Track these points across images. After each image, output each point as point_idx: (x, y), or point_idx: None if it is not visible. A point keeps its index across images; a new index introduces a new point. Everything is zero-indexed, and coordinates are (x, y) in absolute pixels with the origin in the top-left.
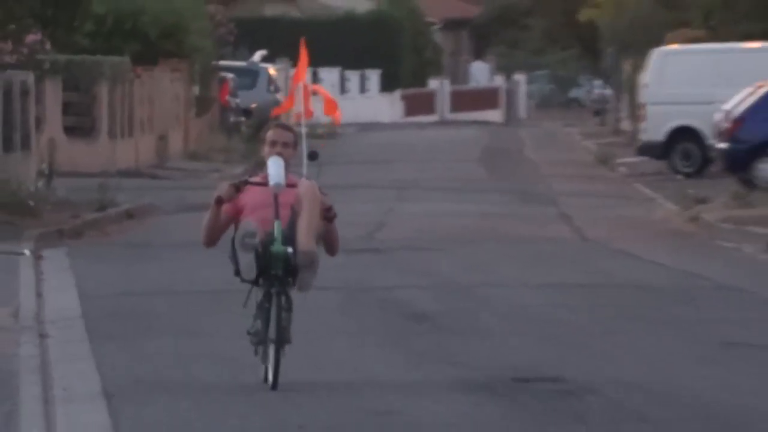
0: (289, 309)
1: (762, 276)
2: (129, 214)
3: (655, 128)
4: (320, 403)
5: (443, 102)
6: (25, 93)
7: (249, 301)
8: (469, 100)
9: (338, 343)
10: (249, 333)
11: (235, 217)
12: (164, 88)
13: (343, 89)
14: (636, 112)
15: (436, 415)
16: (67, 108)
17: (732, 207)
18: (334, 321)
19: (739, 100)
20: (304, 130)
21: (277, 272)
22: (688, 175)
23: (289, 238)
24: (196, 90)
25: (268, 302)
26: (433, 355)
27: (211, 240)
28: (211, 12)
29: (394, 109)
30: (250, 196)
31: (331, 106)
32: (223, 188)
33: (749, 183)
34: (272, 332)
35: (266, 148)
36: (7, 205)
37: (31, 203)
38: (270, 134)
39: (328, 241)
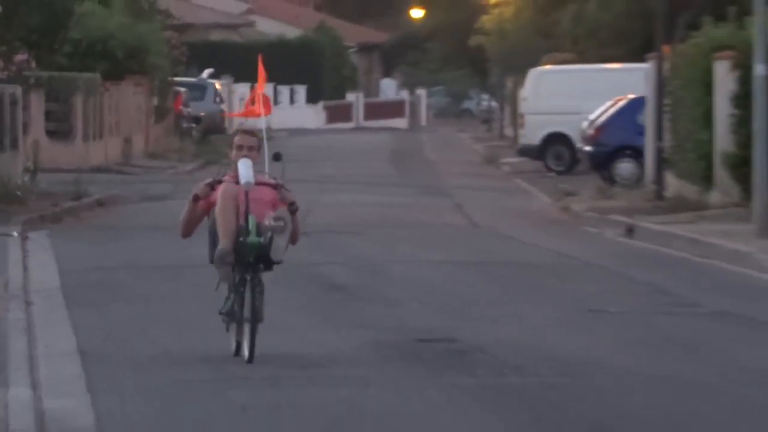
0: (262, 292)
1: (620, 256)
2: (100, 203)
3: (533, 134)
4: (261, 359)
5: (358, 112)
6: (14, 103)
7: (219, 286)
8: (379, 110)
9: (273, 310)
10: (221, 312)
11: (208, 211)
12: (128, 100)
13: (276, 101)
14: (516, 120)
15: (353, 369)
16: (48, 115)
17: (596, 199)
18: (271, 292)
19: (601, 111)
20: (265, 135)
21: (250, 260)
22: (559, 173)
23: (260, 231)
24: (155, 101)
25: (242, 286)
26: (349, 320)
27: (188, 232)
28: (167, 37)
29: (318, 117)
30: (221, 195)
31: (267, 105)
32: (200, 187)
33: (610, 179)
34: (247, 312)
35: (234, 152)
36: (2, 195)
37: (19, 194)
38: (237, 139)
39: (296, 230)
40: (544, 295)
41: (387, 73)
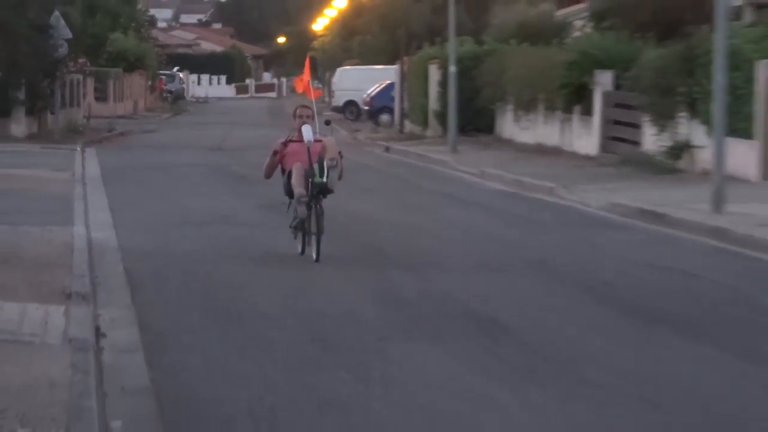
0: (323, 213)
1: (383, 161)
2: (121, 134)
3: (339, 100)
4: (198, 211)
5: (251, 89)
6: (79, 83)
7: (289, 208)
8: (262, 88)
9: (205, 188)
10: (291, 227)
11: (281, 160)
12: (136, 82)
13: (210, 83)
14: (331, 93)
15: (248, 218)
16: (95, 90)
17: (370, 133)
18: (201, 179)
19: (373, 90)
20: (315, 108)
21: (315, 192)
22: (351, 120)
23: (320, 173)
24: (149, 83)
25: (309, 209)
26: (246, 193)
27: (269, 174)
28: (156, 50)
29: (231, 91)
30: (291, 149)
31: (307, 89)
32: (277, 145)
33: (377, 124)
34: (314, 227)
35: (296, 120)
36: (72, 129)
37: (80, 129)
38: (298, 111)
39: (341, 171)
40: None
41: (266, 69)
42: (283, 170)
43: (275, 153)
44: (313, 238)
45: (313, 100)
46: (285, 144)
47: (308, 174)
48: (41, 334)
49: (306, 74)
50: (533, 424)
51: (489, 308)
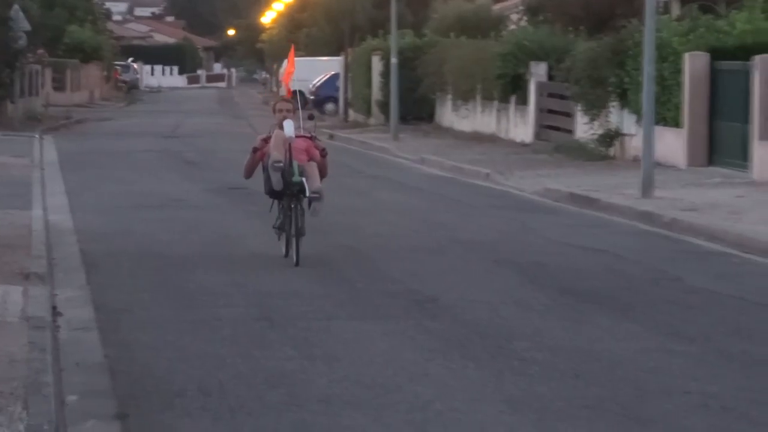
0: (302, 214)
1: (328, 147)
2: (78, 121)
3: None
4: (154, 192)
5: (203, 79)
6: (37, 73)
7: (272, 208)
8: (213, 78)
9: (160, 172)
10: (274, 227)
11: (262, 158)
12: (93, 72)
13: (163, 74)
14: (278, 84)
15: (198, 201)
16: (53, 80)
17: (319, 120)
18: (155, 164)
19: (319, 80)
20: (300, 103)
21: (293, 192)
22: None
23: (300, 172)
24: (105, 73)
25: (289, 210)
26: (197, 178)
27: (249, 174)
28: (111, 42)
29: (183, 81)
30: (273, 142)
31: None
32: (257, 142)
33: (322, 112)
34: (293, 230)
35: (276, 114)
36: (31, 117)
37: (39, 117)
38: (278, 105)
39: (321, 169)
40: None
41: (217, 60)
42: (264, 168)
43: (255, 150)
44: (292, 241)
45: (298, 92)
46: (266, 140)
47: (286, 172)
48: (1, 312)
49: (290, 65)
50: (469, 397)
51: (428, 288)
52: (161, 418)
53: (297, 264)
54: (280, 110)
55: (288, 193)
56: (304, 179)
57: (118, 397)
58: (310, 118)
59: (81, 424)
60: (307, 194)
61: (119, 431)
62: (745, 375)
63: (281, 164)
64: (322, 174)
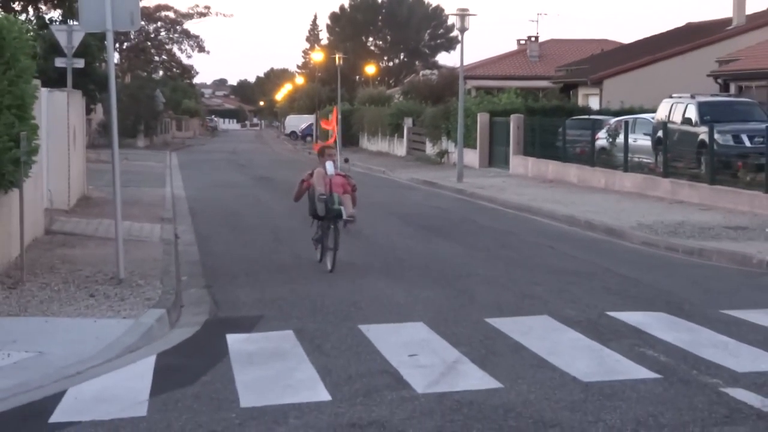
0: (339, 233)
1: (307, 159)
2: (188, 146)
3: (287, 130)
4: (207, 183)
5: (248, 125)
6: (168, 122)
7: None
8: (253, 125)
9: (225, 170)
10: (313, 239)
11: (308, 187)
12: (194, 122)
13: (229, 123)
14: (283, 128)
15: (245, 184)
16: (176, 125)
17: (301, 146)
18: (224, 166)
19: (304, 126)
20: (339, 148)
21: (333, 216)
22: (294, 140)
23: (339, 201)
24: (201, 122)
25: (328, 229)
26: (245, 173)
27: (297, 199)
28: (204, 108)
29: (238, 126)
30: (315, 178)
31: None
32: (305, 175)
33: (305, 141)
34: (332, 244)
35: (322, 158)
36: (165, 143)
37: (169, 143)
38: (326, 150)
39: (354, 199)
40: (296, 166)
41: (254, 116)
42: (310, 197)
43: (303, 182)
44: (329, 253)
45: (336, 141)
46: (311, 174)
47: (327, 199)
48: (150, 237)
49: (333, 120)
50: (370, 274)
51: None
52: (226, 287)
53: (331, 270)
54: (327, 154)
55: (328, 217)
56: (342, 207)
57: (206, 277)
58: (346, 161)
59: (188, 290)
60: (344, 217)
61: (207, 294)
62: (506, 267)
63: (325, 196)
64: (354, 203)
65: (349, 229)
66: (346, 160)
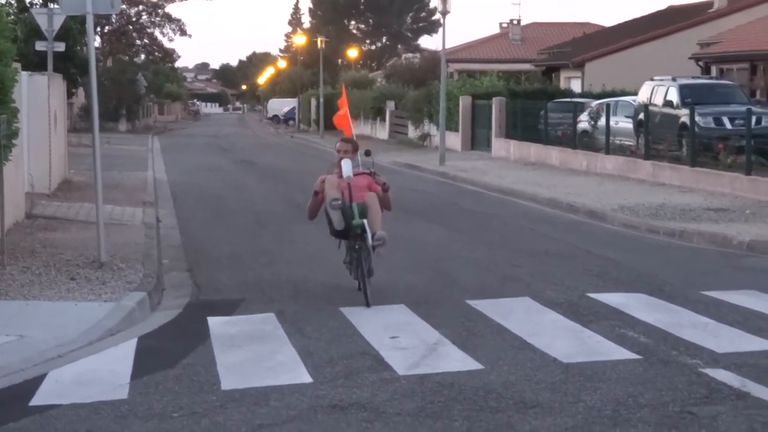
0: (369, 254)
1: (288, 142)
2: (170, 129)
3: (270, 114)
4: (203, 171)
5: (230, 109)
6: (150, 106)
7: (340, 245)
8: (235, 109)
9: (207, 154)
10: (345, 262)
11: (323, 200)
12: (177, 106)
13: (211, 107)
14: (266, 111)
15: (229, 169)
16: (158, 109)
17: (283, 129)
18: (206, 149)
19: (286, 109)
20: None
21: (356, 232)
22: (276, 124)
23: (362, 212)
24: (183, 107)
25: (355, 252)
26: (227, 156)
27: (312, 215)
28: (186, 91)
29: (220, 110)
30: (326, 187)
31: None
32: (317, 185)
33: (287, 125)
34: (360, 271)
35: (337, 154)
36: (147, 127)
37: (151, 127)
38: (338, 145)
39: (386, 202)
40: (278, 150)
41: (237, 100)
42: (326, 212)
43: (316, 193)
44: (361, 281)
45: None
46: (323, 180)
47: (343, 206)
48: (131, 220)
49: (343, 107)
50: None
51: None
52: (208, 270)
53: (368, 305)
54: (339, 150)
55: (352, 234)
56: (365, 221)
57: (188, 261)
58: (367, 154)
59: (169, 273)
60: (371, 242)
61: (188, 277)
62: (488, 249)
63: (339, 201)
64: (386, 207)
65: (379, 252)
66: (368, 153)
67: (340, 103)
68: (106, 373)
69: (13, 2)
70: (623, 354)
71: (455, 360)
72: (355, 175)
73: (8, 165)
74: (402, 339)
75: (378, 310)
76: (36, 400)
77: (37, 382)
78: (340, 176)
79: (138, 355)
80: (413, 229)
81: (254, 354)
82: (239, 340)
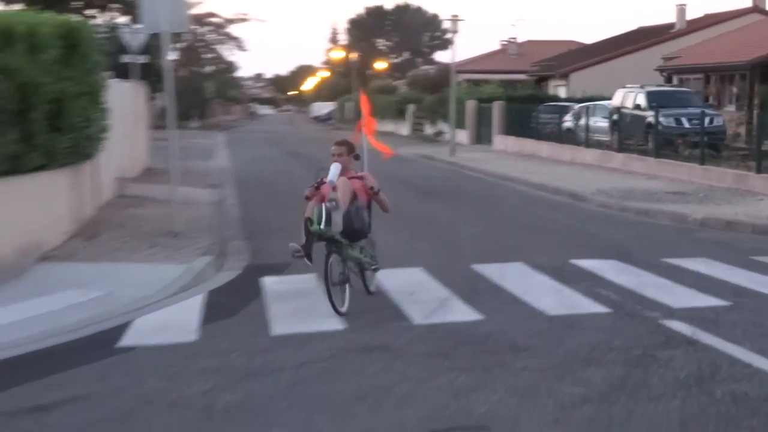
0: (346, 259)
1: (329, 135)
2: (232, 127)
3: (313, 114)
4: (259, 161)
5: (283, 110)
6: (215, 108)
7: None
8: (285, 110)
9: (262, 146)
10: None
11: (321, 202)
12: (237, 108)
13: (266, 108)
14: (310, 112)
15: (279, 157)
16: (225, 111)
17: (325, 127)
18: (261, 143)
19: (326, 110)
20: (365, 145)
21: (322, 241)
22: (319, 123)
23: (348, 217)
24: (242, 108)
25: (328, 260)
26: (279, 148)
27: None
28: (245, 96)
29: (274, 111)
30: (324, 191)
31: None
32: (309, 190)
33: (328, 124)
34: (335, 278)
35: (332, 157)
36: (214, 125)
37: (217, 125)
38: (332, 149)
39: (381, 205)
40: (319, 143)
41: (288, 102)
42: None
43: (307, 198)
44: (336, 289)
45: (362, 135)
46: (316, 187)
47: (306, 224)
48: (200, 199)
49: (365, 110)
50: (385, 231)
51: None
52: (262, 239)
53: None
54: (333, 153)
55: (322, 240)
56: (322, 227)
57: (246, 232)
58: (356, 158)
59: (231, 242)
60: (326, 206)
61: (246, 245)
62: (488, 224)
63: (298, 254)
64: (383, 209)
65: (336, 222)
66: (357, 157)
67: (363, 108)
68: (179, 321)
69: (106, 23)
70: (597, 308)
71: (461, 312)
72: (349, 177)
73: (100, 154)
74: (418, 295)
75: (398, 272)
76: (121, 343)
77: (123, 328)
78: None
79: (205, 307)
80: (427, 207)
81: (299, 306)
82: (287, 295)
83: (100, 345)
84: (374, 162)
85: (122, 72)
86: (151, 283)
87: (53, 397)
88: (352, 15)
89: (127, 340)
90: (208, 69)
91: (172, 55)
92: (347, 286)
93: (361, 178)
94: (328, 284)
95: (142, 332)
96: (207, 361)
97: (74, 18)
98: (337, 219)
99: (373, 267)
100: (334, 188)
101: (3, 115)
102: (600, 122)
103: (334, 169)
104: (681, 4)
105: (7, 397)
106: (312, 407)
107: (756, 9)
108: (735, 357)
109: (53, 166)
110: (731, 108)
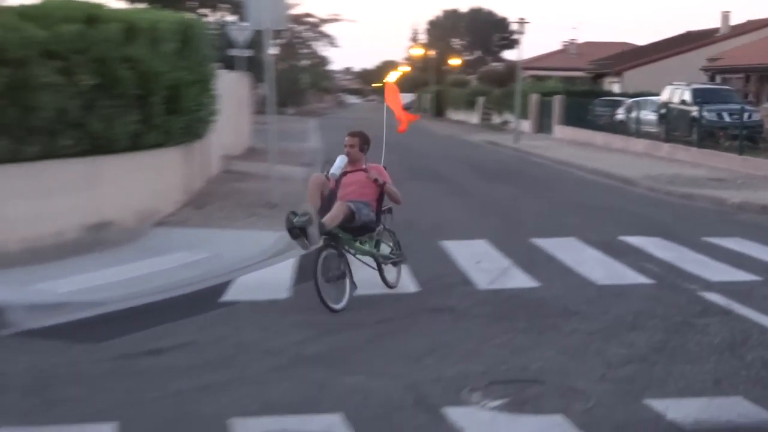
0: (335, 258)
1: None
2: (324, 113)
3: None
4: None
5: (368, 99)
6: (310, 96)
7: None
8: (371, 100)
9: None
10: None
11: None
12: (329, 97)
13: (354, 97)
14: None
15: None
16: (319, 100)
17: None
18: (348, 127)
19: (407, 101)
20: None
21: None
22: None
23: (308, 220)
24: (333, 97)
25: (320, 254)
26: (331, 137)
27: (315, 202)
28: (335, 86)
29: (360, 101)
30: (346, 181)
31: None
32: (315, 179)
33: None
34: (328, 273)
35: (344, 148)
36: (308, 112)
37: (311, 112)
38: (346, 140)
39: (391, 197)
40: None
41: (374, 93)
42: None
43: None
44: (326, 287)
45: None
46: (328, 179)
47: (287, 217)
48: (294, 176)
49: (394, 104)
50: (448, 204)
51: (437, 170)
52: None
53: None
54: (345, 144)
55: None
56: (304, 219)
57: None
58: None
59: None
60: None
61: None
62: (547, 203)
63: (305, 218)
64: (395, 201)
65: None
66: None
67: (391, 103)
68: (274, 280)
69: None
70: (641, 279)
71: (520, 279)
72: (350, 171)
73: (210, 135)
74: (483, 264)
75: (465, 243)
76: (224, 298)
77: (225, 285)
78: (354, 170)
79: (297, 269)
80: (492, 188)
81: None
82: (367, 261)
83: (206, 299)
84: (448, 150)
85: (229, 64)
86: (251, 247)
87: (165, 342)
88: (431, 17)
89: (229, 295)
90: (304, 62)
91: (272, 50)
92: (346, 281)
93: (366, 170)
94: (316, 280)
95: (242, 289)
96: (297, 316)
97: (189, 15)
98: (313, 233)
99: (391, 261)
100: (337, 181)
101: (127, 99)
102: (649, 115)
103: (339, 161)
104: (726, 11)
105: (127, 342)
106: (388, 358)
107: None
108: (765, 326)
109: (169, 144)
110: None
